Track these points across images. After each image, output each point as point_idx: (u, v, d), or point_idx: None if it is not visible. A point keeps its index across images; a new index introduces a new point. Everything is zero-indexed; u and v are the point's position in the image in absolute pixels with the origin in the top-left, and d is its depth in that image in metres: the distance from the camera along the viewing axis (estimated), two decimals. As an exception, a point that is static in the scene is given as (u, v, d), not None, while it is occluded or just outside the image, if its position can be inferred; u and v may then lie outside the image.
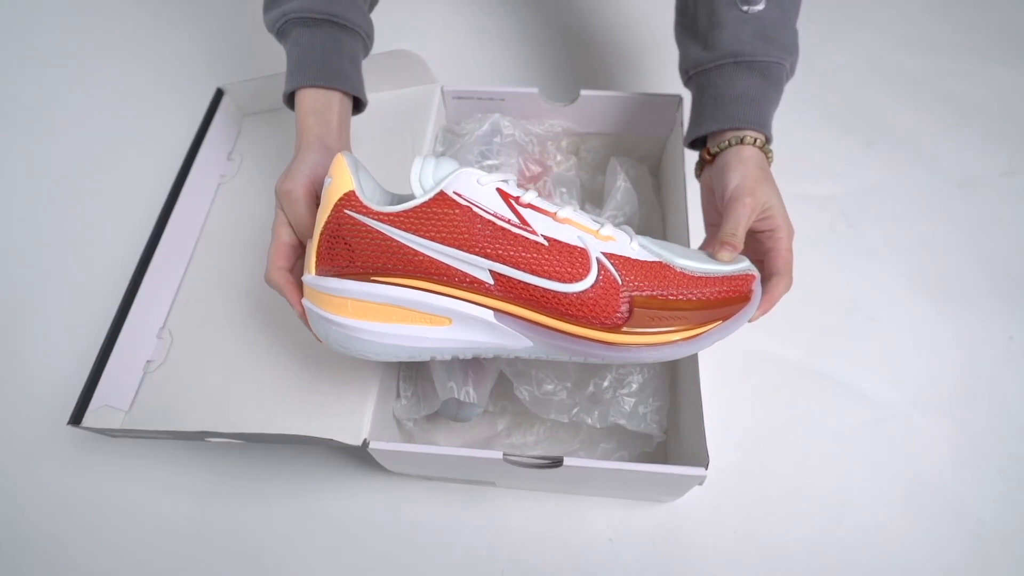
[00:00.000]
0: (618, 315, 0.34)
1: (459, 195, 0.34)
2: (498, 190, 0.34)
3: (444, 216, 0.34)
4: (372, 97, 0.50)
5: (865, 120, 0.70)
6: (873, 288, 0.59)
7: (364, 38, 0.47)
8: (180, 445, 0.53)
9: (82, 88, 0.76)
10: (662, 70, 0.74)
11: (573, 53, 0.77)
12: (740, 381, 0.54)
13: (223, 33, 0.79)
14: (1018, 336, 0.56)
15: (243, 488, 0.52)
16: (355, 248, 0.35)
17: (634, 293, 0.34)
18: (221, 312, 0.50)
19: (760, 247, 0.40)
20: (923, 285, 0.59)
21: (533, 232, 0.34)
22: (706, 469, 0.38)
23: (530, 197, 0.35)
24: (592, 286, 0.34)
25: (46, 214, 0.67)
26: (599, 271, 0.34)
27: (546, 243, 0.34)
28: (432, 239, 0.34)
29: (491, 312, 0.35)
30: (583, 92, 0.56)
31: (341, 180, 0.35)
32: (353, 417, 0.42)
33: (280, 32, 0.45)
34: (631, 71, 0.75)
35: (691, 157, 0.51)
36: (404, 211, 0.34)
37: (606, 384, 0.48)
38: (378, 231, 0.34)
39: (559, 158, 0.60)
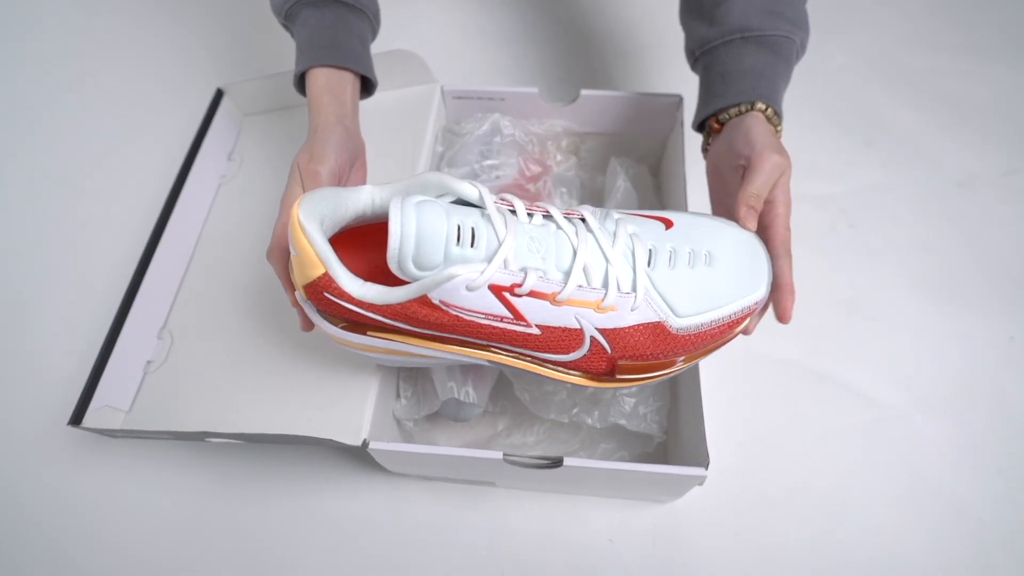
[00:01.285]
0: (603, 371, 0.36)
1: (446, 304, 0.31)
2: (491, 288, 0.31)
3: (432, 318, 0.31)
4: (373, 97, 0.50)
5: (865, 120, 0.70)
6: (873, 288, 0.59)
7: (372, 19, 0.47)
8: (180, 445, 0.53)
9: (82, 88, 0.76)
10: (662, 70, 0.74)
11: (573, 53, 0.77)
12: (740, 381, 0.54)
13: (223, 33, 0.79)
14: (1018, 336, 0.56)
15: (243, 488, 0.52)
16: (346, 315, 0.33)
17: (620, 360, 0.35)
18: (221, 312, 0.50)
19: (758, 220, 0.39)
20: (923, 285, 0.59)
21: (527, 325, 0.32)
22: (706, 469, 0.38)
23: (531, 281, 0.31)
24: (583, 356, 0.35)
25: (46, 214, 0.67)
26: (591, 345, 0.34)
27: (539, 332, 0.33)
28: (423, 327, 0.33)
29: (486, 361, 0.36)
30: (583, 92, 0.56)
31: (308, 262, 0.31)
32: (353, 417, 0.42)
33: (288, 15, 0.45)
34: (631, 71, 0.75)
35: (691, 158, 0.51)
36: (388, 306, 0.31)
37: (606, 384, 0.48)
38: (364, 315, 0.32)
39: (559, 158, 0.60)
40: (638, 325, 0.34)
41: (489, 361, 0.36)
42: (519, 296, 0.31)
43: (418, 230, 0.29)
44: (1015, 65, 0.74)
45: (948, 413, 0.53)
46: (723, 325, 0.35)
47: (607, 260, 0.33)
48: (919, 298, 0.58)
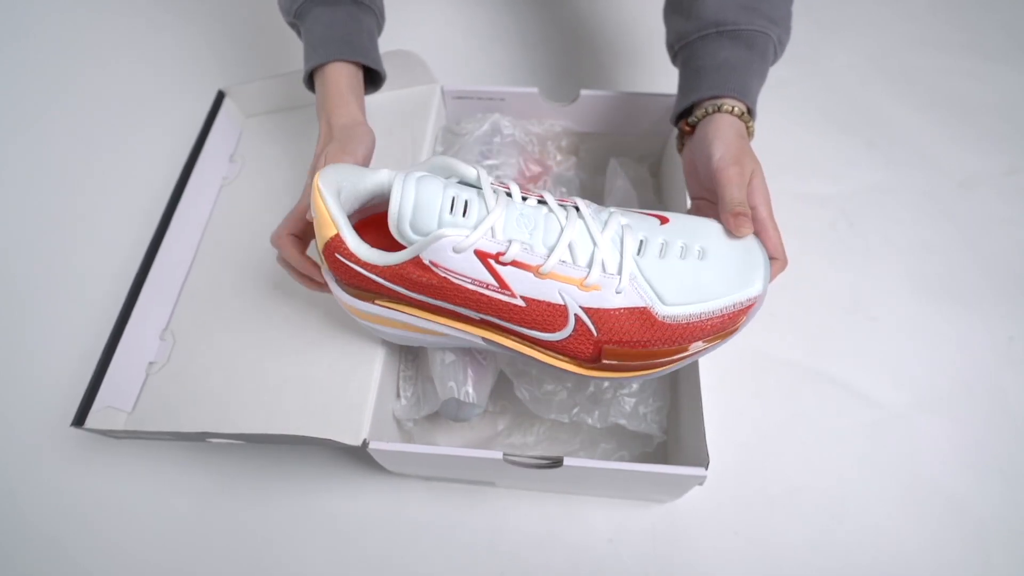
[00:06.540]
0: (590, 356, 0.36)
1: (435, 264, 0.33)
2: (477, 253, 0.33)
3: (424, 280, 0.34)
4: (372, 98, 0.50)
5: (865, 120, 0.70)
6: (873, 288, 0.59)
7: (378, 16, 0.48)
8: (182, 446, 0.54)
9: (83, 90, 0.76)
10: (662, 70, 0.74)
11: (573, 53, 0.77)
12: (740, 381, 0.54)
13: (224, 35, 0.79)
14: (1018, 336, 0.56)
15: (244, 488, 0.52)
16: (354, 279, 0.36)
17: (606, 345, 0.35)
18: (223, 314, 0.50)
19: None
20: (923, 285, 0.59)
21: (512, 295, 0.34)
22: (706, 469, 0.38)
23: (515, 251, 0.33)
24: (569, 336, 0.35)
25: (48, 216, 0.67)
26: (576, 324, 0.35)
27: (524, 304, 0.35)
28: (418, 292, 0.35)
29: (480, 338, 0.38)
30: (583, 92, 0.56)
31: (323, 223, 0.35)
32: (353, 417, 0.42)
33: (298, 14, 0.46)
34: (631, 71, 0.75)
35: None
36: (387, 267, 0.35)
37: (606, 384, 0.48)
38: (369, 277, 0.35)
39: (559, 158, 0.60)
40: (623, 308, 0.35)
41: (484, 339, 0.37)
42: (504, 264, 0.33)
43: (416, 198, 0.33)
44: (1017, 65, 0.73)
45: (948, 413, 0.53)
46: (714, 319, 0.35)
47: (594, 243, 0.35)
48: (919, 298, 0.58)
